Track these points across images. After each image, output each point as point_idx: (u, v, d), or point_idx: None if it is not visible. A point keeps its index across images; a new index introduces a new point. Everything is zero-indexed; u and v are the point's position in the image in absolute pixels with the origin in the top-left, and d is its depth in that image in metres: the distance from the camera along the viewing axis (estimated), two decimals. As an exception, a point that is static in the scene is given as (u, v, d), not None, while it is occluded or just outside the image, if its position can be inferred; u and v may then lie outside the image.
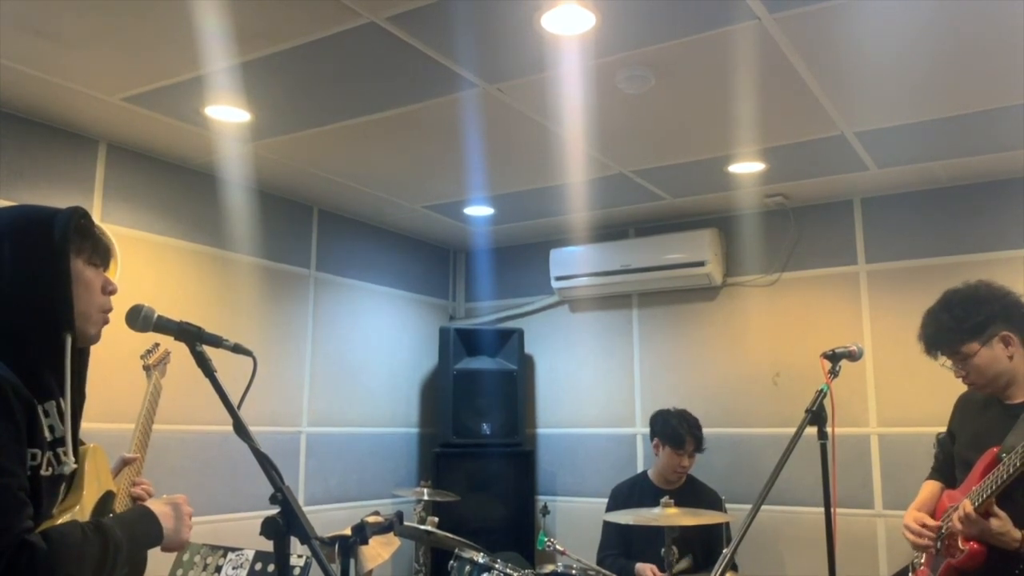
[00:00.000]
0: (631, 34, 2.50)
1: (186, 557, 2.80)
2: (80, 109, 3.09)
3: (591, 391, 4.77)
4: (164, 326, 1.63)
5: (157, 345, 2.41)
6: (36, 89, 2.91)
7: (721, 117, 3.14)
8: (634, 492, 3.82)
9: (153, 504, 1.62)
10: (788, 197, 4.17)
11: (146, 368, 2.38)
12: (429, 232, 4.98)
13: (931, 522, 2.42)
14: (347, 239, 4.57)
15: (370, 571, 2.66)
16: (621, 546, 3.70)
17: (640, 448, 4.56)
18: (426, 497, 3.69)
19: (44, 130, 3.20)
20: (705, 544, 3.59)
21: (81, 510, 1.56)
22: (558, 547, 3.18)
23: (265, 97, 2.98)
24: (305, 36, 2.52)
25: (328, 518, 4.15)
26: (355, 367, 4.51)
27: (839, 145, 3.42)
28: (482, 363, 4.78)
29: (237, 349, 1.70)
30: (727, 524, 3.55)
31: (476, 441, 4.63)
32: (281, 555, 1.56)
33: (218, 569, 2.74)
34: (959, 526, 2.22)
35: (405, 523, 2.54)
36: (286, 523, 1.52)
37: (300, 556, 2.63)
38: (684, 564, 3.28)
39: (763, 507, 2.13)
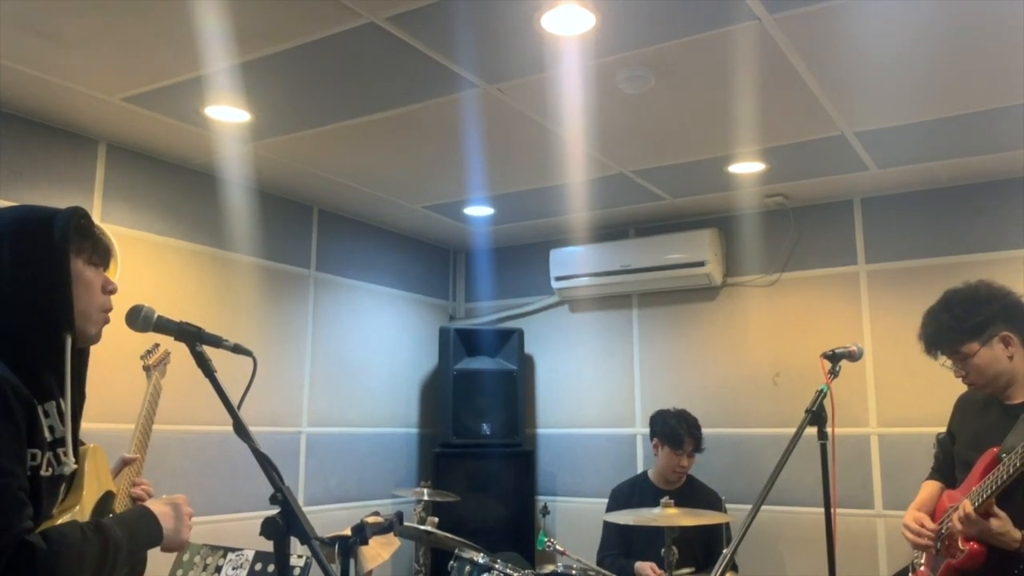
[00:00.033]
0: (631, 34, 2.50)
1: (186, 557, 2.80)
2: (80, 109, 3.09)
3: (591, 391, 4.77)
4: (164, 326, 1.63)
5: (157, 345, 2.41)
6: (36, 89, 2.91)
7: (721, 117, 3.14)
8: (634, 492, 3.82)
9: (153, 504, 1.62)
10: (788, 197, 4.17)
11: (146, 368, 2.39)
12: (429, 232, 4.98)
13: (930, 523, 2.42)
14: (347, 239, 4.57)
15: (370, 571, 2.66)
16: (621, 546, 3.70)
17: (640, 448, 4.56)
18: (426, 497, 3.69)
19: (44, 130, 3.20)
20: (705, 544, 3.59)
21: (81, 510, 1.55)
22: (558, 547, 3.18)
23: (265, 97, 2.98)
24: (305, 36, 2.52)
25: (328, 518, 4.15)
26: (355, 367, 4.51)
27: (839, 145, 3.42)
28: (482, 363, 4.77)
29: (237, 349, 1.70)
30: (727, 524, 3.55)
31: (476, 441, 4.63)
32: (281, 555, 1.56)
33: (218, 569, 2.74)
34: (959, 526, 2.22)
35: (405, 523, 2.54)
36: (286, 523, 1.52)
37: (300, 556, 2.63)
38: (686, 572, 3.28)
39: (763, 507, 2.13)
